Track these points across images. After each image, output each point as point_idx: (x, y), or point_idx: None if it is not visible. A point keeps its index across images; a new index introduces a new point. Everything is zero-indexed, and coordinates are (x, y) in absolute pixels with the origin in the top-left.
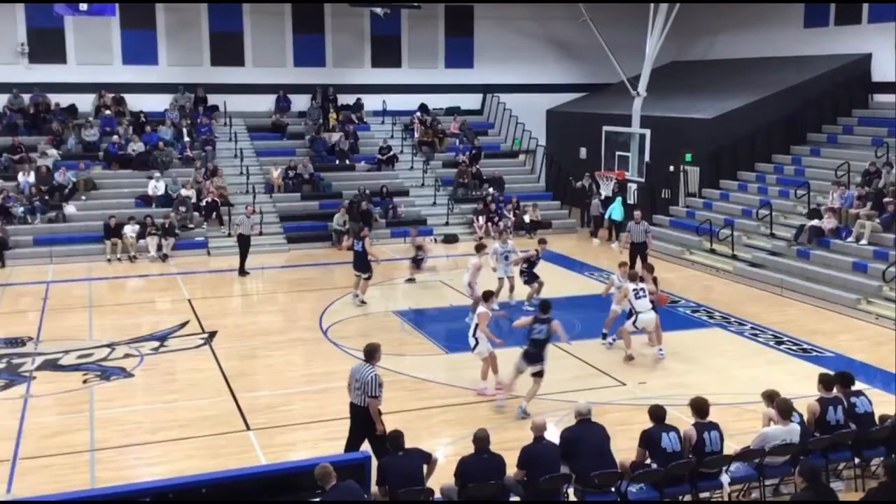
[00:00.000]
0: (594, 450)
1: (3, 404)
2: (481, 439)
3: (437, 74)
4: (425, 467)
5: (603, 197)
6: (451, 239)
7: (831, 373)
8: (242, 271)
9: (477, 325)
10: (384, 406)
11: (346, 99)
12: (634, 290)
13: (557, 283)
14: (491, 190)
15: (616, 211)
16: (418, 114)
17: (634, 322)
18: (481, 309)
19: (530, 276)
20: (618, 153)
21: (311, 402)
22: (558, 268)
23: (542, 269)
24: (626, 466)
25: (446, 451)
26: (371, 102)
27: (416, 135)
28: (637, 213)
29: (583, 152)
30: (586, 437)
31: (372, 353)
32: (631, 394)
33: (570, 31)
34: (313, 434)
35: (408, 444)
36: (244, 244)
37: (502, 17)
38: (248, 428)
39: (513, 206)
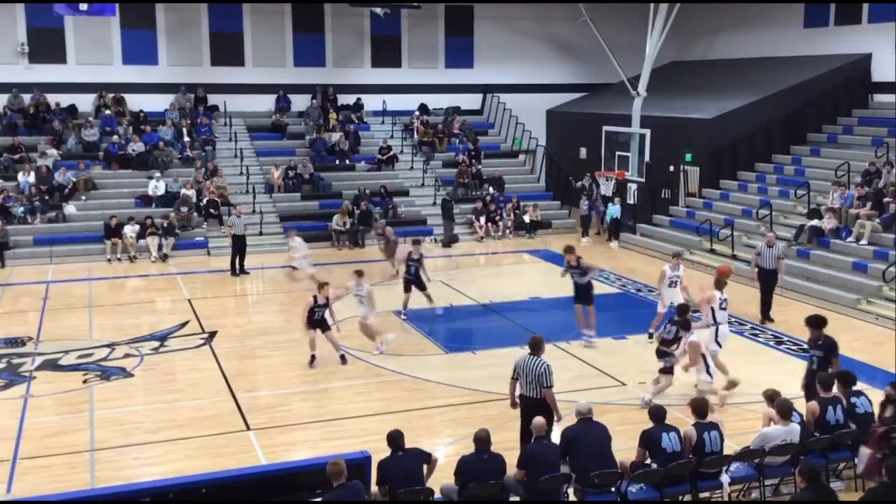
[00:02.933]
0: (595, 449)
1: (3, 404)
2: (481, 439)
3: (437, 74)
4: (425, 467)
5: (601, 196)
6: (450, 239)
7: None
8: (242, 271)
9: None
10: (384, 405)
11: (346, 99)
12: (721, 299)
13: (558, 282)
14: (491, 190)
15: (614, 211)
16: (417, 113)
17: (717, 337)
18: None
19: (409, 284)
20: (618, 153)
21: (311, 402)
22: (559, 267)
23: (543, 268)
24: (626, 466)
25: (446, 451)
26: (371, 102)
27: (416, 135)
28: (770, 236)
29: (583, 152)
30: (587, 436)
31: (538, 346)
32: (631, 394)
33: (570, 30)
34: (313, 434)
35: (408, 444)
36: (239, 244)
37: (502, 17)
38: (247, 428)
39: (513, 206)
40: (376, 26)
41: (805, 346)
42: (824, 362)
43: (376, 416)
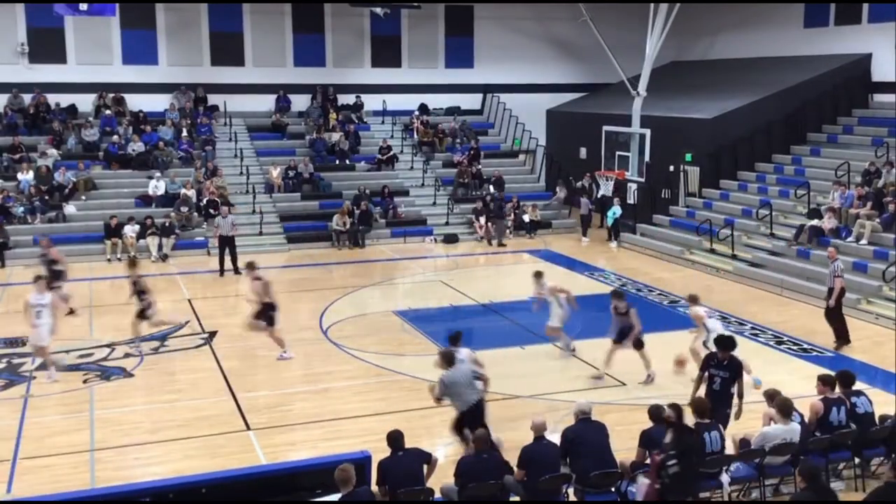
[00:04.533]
0: (595, 449)
1: (3, 404)
2: (481, 439)
3: (437, 74)
4: (425, 467)
5: (601, 196)
6: (451, 239)
7: (832, 373)
8: (236, 271)
9: None
10: (384, 405)
11: (346, 99)
12: (708, 311)
13: (558, 282)
14: (491, 189)
15: (614, 212)
16: (417, 113)
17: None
18: None
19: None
20: (618, 153)
21: (311, 402)
22: (559, 268)
23: (543, 268)
24: (627, 466)
25: (446, 451)
26: (371, 102)
27: (416, 135)
28: (831, 250)
29: (583, 152)
30: (587, 436)
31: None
32: (630, 394)
33: (569, 30)
34: (313, 434)
35: (408, 444)
36: (226, 244)
37: (502, 17)
38: (247, 428)
39: (513, 205)
40: (376, 26)
41: (805, 346)
42: (729, 383)
43: (376, 416)
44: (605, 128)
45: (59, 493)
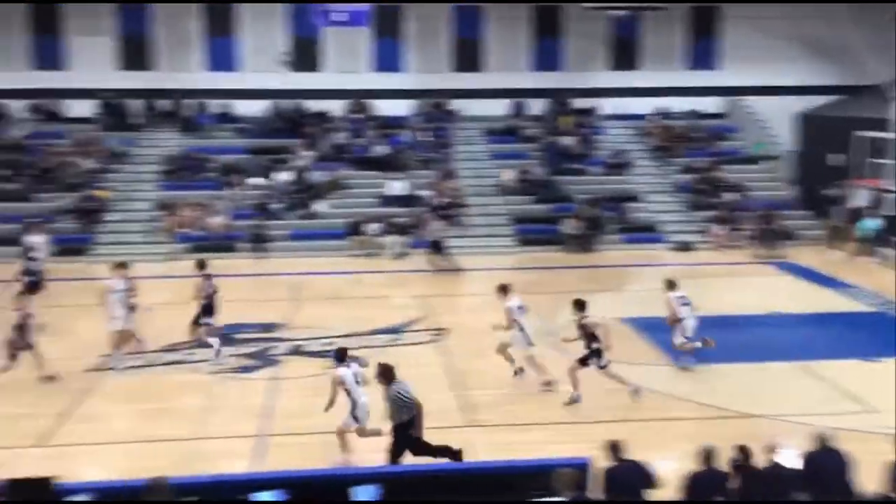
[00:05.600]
0: (835, 477)
1: (255, 384)
2: (707, 454)
3: (676, 77)
4: (646, 480)
5: (856, 207)
6: (684, 247)
7: None
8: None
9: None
10: (609, 413)
11: (582, 102)
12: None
13: (802, 298)
14: (731, 196)
15: (871, 224)
16: (656, 117)
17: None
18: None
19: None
20: (875, 160)
21: (535, 403)
22: (803, 282)
23: (787, 282)
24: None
25: (670, 466)
26: (607, 105)
27: (653, 139)
28: None
29: (835, 159)
30: (827, 463)
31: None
32: (881, 421)
33: (820, 29)
34: (535, 436)
35: (628, 456)
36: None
37: (749, 17)
38: (469, 424)
39: (756, 214)
40: (614, 28)
41: None
42: None
43: (599, 423)
44: (860, 133)
45: (297, 470)
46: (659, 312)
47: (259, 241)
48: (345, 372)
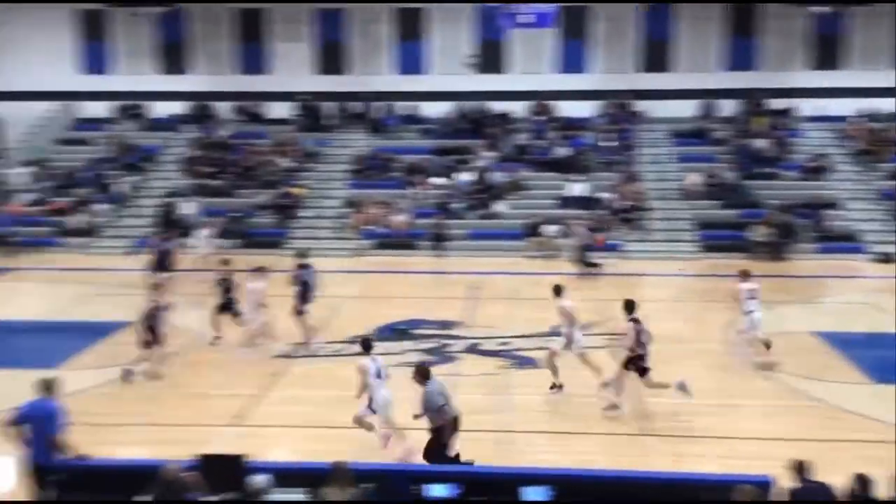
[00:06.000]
0: None
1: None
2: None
3: (884, 77)
4: None
5: None
6: (888, 258)
7: None
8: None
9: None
10: (794, 430)
11: (777, 103)
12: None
13: None
14: None
15: None
16: (860, 119)
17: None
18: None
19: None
20: None
21: (717, 416)
22: None
23: None
24: None
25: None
26: (805, 107)
27: (856, 142)
28: None
29: None
30: None
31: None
32: None
33: None
34: (713, 449)
35: (813, 478)
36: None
37: None
38: (645, 433)
39: None
40: (816, 25)
41: None
42: None
43: (781, 440)
44: None
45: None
46: (854, 328)
47: (439, 240)
48: (368, 363)
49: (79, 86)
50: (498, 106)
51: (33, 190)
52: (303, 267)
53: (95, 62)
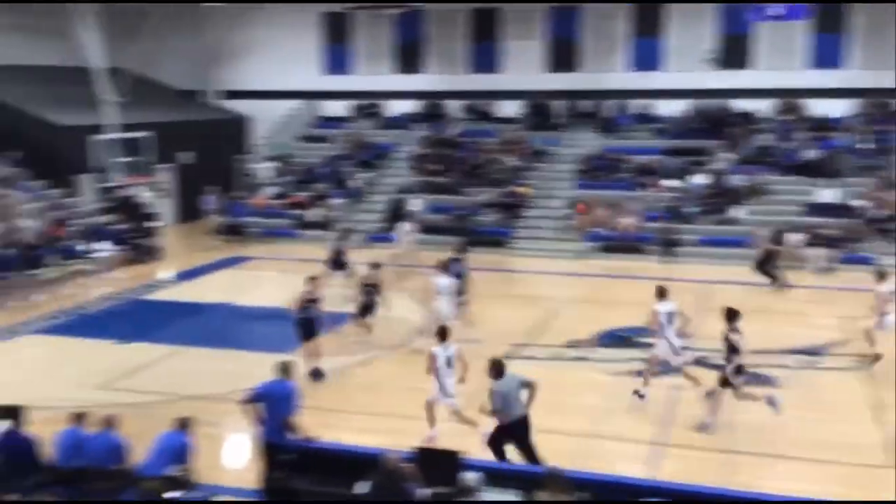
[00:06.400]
0: None
1: (655, 391)
2: None
3: None
4: None
5: None
6: None
7: None
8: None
9: None
10: None
11: None
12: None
13: None
14: None
15: None
16: None
17: None
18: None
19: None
20: None
21: None
22: None
23: None
24: None
25: None
26: None
27: None
28: None
29: None
30: None
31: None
32: None
33: None
34: None
35: None
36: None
37: None
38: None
39: None
40: None
41: None
42: None
43: None
44: None
45: (675, 483)
46: None
47: (668, 245)
48: (439, 350)
49: (321, 86)
50: (739, 104)
51: (276, 184)
52: (456, 261)
53: (337, 63)
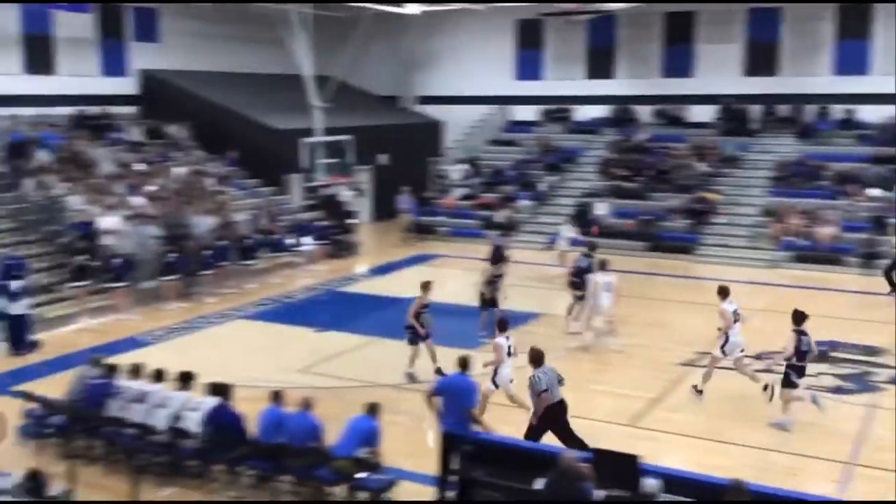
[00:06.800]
0: None
1: (850, 409)
2: None
3: None
4: None
5: None
6: None
7: None
8: None
9: None
10: None
11: None
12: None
13: None
14: None
15: None
16: None
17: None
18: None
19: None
20: None
21: None
22: None
23: None
24: None
25: None
26: None
27: None
28: None
29: None
30: None
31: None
32: None
33: None
34: None
35: None
36: None
37: None
38: None
39: None
40: None
41: None
42: None
43: None
44: None
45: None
46: None
47: (869, 257)
48: (503, 341)
49: (513, 91)
50: None
51: (466, 185)
52: (586, 256)
53: (529, 68)
